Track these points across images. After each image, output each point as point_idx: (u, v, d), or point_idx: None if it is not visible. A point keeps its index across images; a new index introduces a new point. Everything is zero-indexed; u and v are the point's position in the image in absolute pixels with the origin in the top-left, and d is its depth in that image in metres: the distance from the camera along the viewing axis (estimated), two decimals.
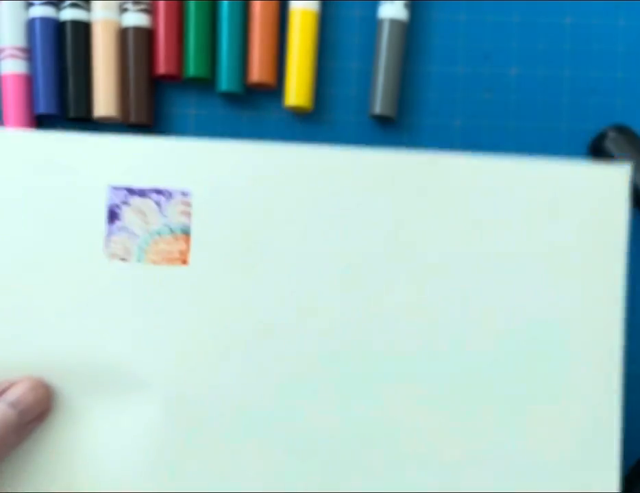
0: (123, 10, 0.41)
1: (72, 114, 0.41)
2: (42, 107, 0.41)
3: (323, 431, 0.31)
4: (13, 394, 0.28)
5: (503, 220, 0.33)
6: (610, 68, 0.43)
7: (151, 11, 0.41)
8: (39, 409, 0.29)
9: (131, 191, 0.30)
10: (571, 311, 0.33)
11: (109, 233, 0.30)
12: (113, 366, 0.30)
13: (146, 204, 0.30)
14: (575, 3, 0.43)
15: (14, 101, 0.41)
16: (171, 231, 0.30)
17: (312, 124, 0.43)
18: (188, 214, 0.30)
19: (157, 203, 0.30)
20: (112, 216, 0.30)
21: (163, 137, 0.31)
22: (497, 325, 0.32)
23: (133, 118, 0.41)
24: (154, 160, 0.30)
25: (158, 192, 0.30)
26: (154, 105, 0.42)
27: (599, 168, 0.33)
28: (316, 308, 0.31)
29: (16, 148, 0.30)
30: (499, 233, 0.33)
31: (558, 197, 0.33)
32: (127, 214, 0.30)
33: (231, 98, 0.43)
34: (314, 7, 0.42)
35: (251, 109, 0.43)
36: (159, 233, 0.30)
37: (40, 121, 0.43)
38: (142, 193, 0.30)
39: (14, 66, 0.41)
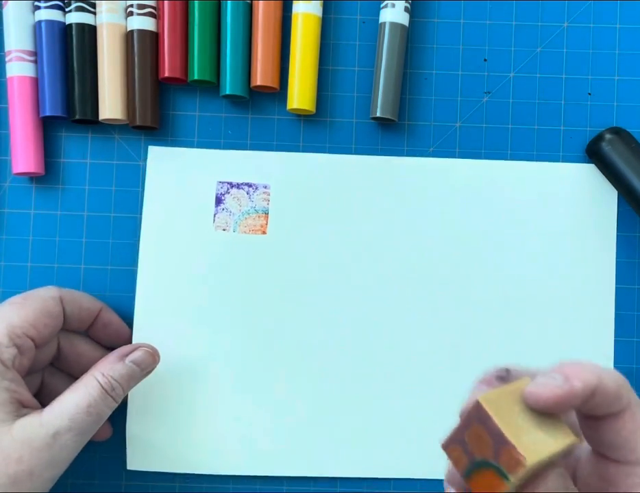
0: (129, 13, 0.41)
1: (77, 116, 0.42)
2: (48, 110, 0.41)
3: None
4: (137, 356, 0.39)
5: (519, 210, 0.43)
6: (607, 71, 0.44)
7: (156, 14, 0.42)
8: (151, 368, 0.40)
9: (230, 184, 0.43)
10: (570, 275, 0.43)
11: (216, 212, 0.43)
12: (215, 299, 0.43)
13: (240, 193, 0.43)
14: (573, 7, 0.44)
15: (20, 103, 0.41)
16: (256, 211, 0.43)
17: (314, 127, 0.43)
18: (267, 200, 0.43)
19: (248, 193, 0.43)
20: (218, 201, 0.43)
21: (246, 150, 0.43)
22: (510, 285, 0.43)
23: (138, 121, 0.41)
24: (246, 165, 0.43)
25: (248, 185, 0.43)
26: (159, 108, 0.43)
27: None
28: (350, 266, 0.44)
29: (167, 159, 0.43)
30: (515, 220, 0.43)
31: (560, 189, 0.44)
32: (228, 200, 0.43)
33: (235, 101, 0.43)
34: (316, 11, 0.42)
35: (254, 111, 0.43)
36: (248, 213, 0.43)
37: (46, 123, 0.43)
38: (238, 186, 0.43)
39: (20, 69, 0.41)
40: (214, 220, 0.43)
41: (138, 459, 0.42)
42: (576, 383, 0.26)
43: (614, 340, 0.43)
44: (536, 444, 0.25)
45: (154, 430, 0.42)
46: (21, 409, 0.36)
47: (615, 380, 0.26)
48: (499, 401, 0.26)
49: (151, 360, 0.40)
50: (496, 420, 0.25)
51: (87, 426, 0.36)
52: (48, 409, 0.36)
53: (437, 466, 0.42)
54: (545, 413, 0.26)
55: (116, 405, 0.38)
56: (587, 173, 0.43)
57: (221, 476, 0.43)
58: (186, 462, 0.42)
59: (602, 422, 0.27)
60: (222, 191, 0.43)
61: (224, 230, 0.43)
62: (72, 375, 0.41)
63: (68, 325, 0.40)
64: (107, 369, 0.38)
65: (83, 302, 0.40)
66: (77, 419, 0.35)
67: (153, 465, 0.42)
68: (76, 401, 0.36)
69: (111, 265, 0.43)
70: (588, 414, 0.27)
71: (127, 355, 0.39)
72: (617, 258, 0.43)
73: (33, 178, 0.43)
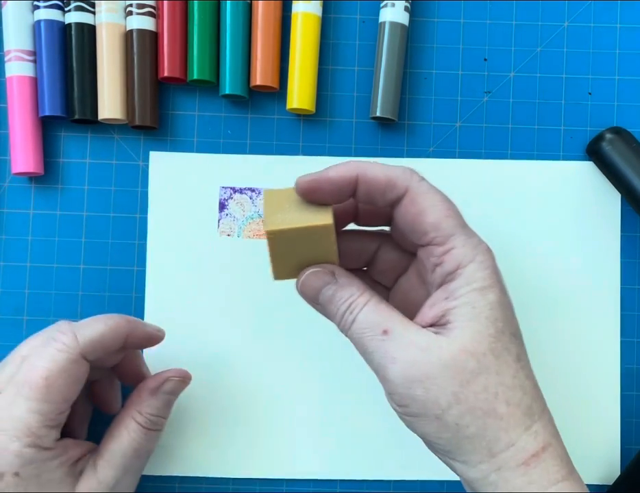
0: (128, 13, 0.41)
1: (77, 115, 0.41)
2: (48, 109, 0.41)
3: None
4: (169, 387, 0.38)
5: (528, 208, 0.43)
6: (607, 71, 0.44)
7: (155, 14, 0.42)
8: (182, 390, 0.39)
9: (233, 189, 0.43)
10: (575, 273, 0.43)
11: (220, 218, 0.43)
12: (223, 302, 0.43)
13: (244, 198, 0.43)
14: (573, 7, 0.44)
15: (19, 103, 0.41)
16: (259, 216, 0.43)
17: (314, 127, 0.43)
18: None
19: (250, 197, 0.43)
20: (222, 206, 0.43)
21: (249, 154, 0.43)
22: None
23: (138, 121, 0.41)
24: (248, 169, 0.43)
25: (251, 190, 0.43)
26: (158, 107, 0.43)
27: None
28: None
29: (169, 164, 0.43)
30: (517, 220, 0.43)
31: (564, 187, 0.44)
32: (231, 205, 0.43)
33: (234, 100, 0.43)
34: (316, 10, 0.42)
35: (254, 111, 0.43)
36: (251, 218, 0.43)
37: (45, 123, 0.43)
38: (240, 191, 0.43)
39: (20, 69, 0.41)
40: (218, 226, 0.43)
41: (150, 464, 0.42)
42: (331, 173, 0.31)
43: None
44: (284, 221, 0.31)
45: (165, 435, 0.42)
46: (75, 467, 0.36)
47: (387, 173, 0.31)
48: (282, 193, 0.32)
49: (182, 384, 0.38)
50: (265, 203, 0.32)
51: (139, 465, 0.37)
52: (100, 461, 0.36)
53: (436, 468, 0.42)
54: (314, 202, 0.31)
55: (162, 432, 0.38)
56: (589, 171, 0.43)
57: (221, 477, 0.43)
58: (196, 466, 0.43)
59: (394, 210, 0.32)
60: (225, 196, 0.43)
61: (228, 235, 0.43)
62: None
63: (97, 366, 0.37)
64: (143, 407, 0.37)
65: (105, 342, 0.35)
66: (129, 464, 0.36)
67: (164, 469, 0.43)
68: (123, 450, 0.36)
69: (110, 265, 0.43)
70: (372, 202, 0.32)
71: (158, 387, 0.37)
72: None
73: (32, 178, 0.43)
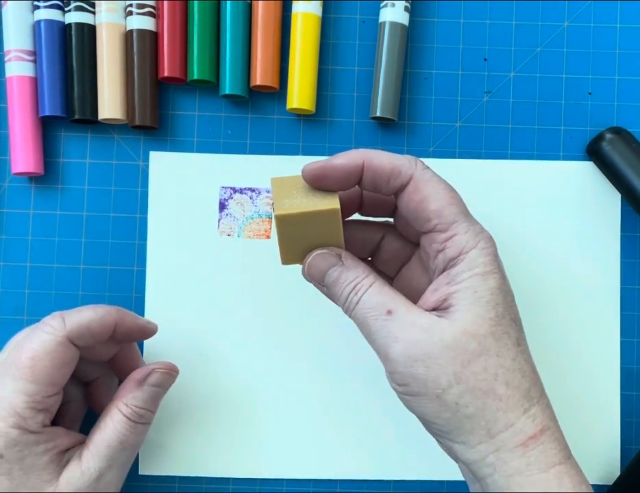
0: (128, 13, 0.41)
1: (77, 115, 0.41)
2: (48, 109, 0.41)
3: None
4: (154, 379, 0.37)
5: (535, 208, 0.43)
6: (607, 71, 0.44)
7: (155, 14, 0.42)
8: (172, 382, 0.38)
9: (234, 189, 0.43)
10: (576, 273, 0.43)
11: (220, 218, 0.43)
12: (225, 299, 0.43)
13: (244, 198, 0.43)
14: (573, 7, 0.44)
15: (19, 103, 0.41)
16: (260, 216, 0.43)
17: (314, 127, 0.43)
18: (271, 205, 0.43)
19: (251, 198, 0.43)
20: (222, 206, 0.43)
21: (249, 154, 0.43)
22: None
23: (138, 120, 0.41)
24: (248, 169, 0.43)
25: (251, 190, 0.43)
26: (158, 107, 0.43)
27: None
28: None
29: (169, 163, 0.43)
30: (517, 220, 0.43)
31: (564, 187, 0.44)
32: (231, 205, 0.43)
33: (234, 100, 0.43)
34: (316, 10, 0.42)
35: (254, 111, 0.43)
36: (252, 218, 0.43)
37: (45, 123, 0.43)
38: (241, 191, 0.43)
39: (20, 69, 0.41)
40: (218, 226, 0.43)
41: (149, 464, 0.43)
42: (337, 160, 0.32)
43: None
44: (292, 206, 0.32)
45: (165, 435, 0.42)
46: (63, 456, 0.35)
47: (392, 160, 0.32)
48: (289, 181, 0.33)
49: (168, 377, 0.38)
50: (273, 190, 0.33)
51: (125, 458, 0.37)
52: (85, 452, 0.36)
53: (436, 468, 0.43)
54: (320, 189, 0.33)
55: (149, 426, 0.38)
56: (589, 171, 0.43)
57: (221, 477, 0.43)
58: (196, 466, 0.43)
59: (398, 198, 0.33)
60: (225, 196, 0.43)
61: (228, 235, 0.43)
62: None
63: (86, 355, 0.38)
64: (128, 399, 0.36)
65: (92, 328, 0.36)
66: (114, 456, 0.36)
67: (164, 469, 0.43)
68: (108, 440, 0.36)
69: (110, 265, 0.43)
70: (377, 189, 0.33)
71: (144, 379, 0.37)
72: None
73: (32, 178, 0.43)
